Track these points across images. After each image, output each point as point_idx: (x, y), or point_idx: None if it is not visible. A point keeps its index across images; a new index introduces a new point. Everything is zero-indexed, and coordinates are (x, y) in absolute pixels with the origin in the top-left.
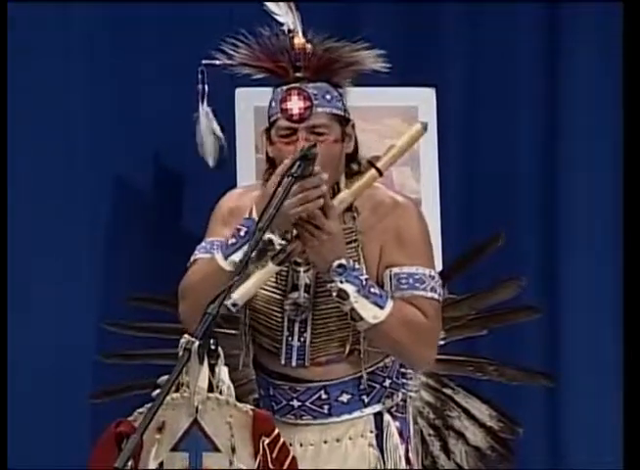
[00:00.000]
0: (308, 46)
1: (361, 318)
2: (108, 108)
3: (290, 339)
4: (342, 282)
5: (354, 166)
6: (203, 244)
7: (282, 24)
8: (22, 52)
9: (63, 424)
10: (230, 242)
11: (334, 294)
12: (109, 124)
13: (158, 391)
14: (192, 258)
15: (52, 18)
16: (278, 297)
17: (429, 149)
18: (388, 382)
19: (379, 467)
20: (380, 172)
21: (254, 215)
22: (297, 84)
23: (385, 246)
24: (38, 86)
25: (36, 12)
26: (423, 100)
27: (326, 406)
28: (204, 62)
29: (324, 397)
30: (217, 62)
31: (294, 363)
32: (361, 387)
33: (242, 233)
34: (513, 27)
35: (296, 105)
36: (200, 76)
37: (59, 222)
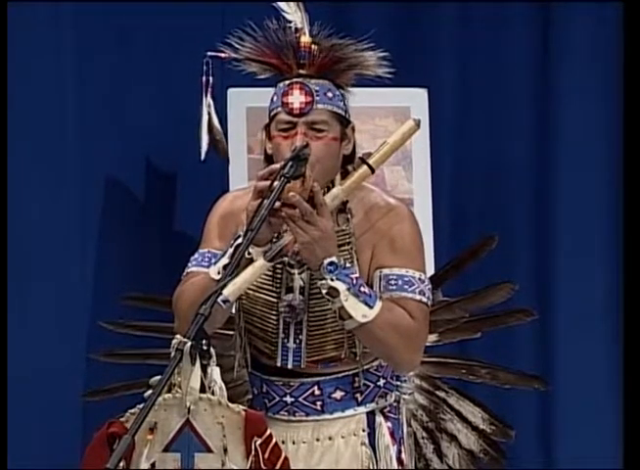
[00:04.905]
0: (314, 46)
1: (350, 317)
2: (99, 109)
3: (285, 341)
4: (332, 280)
5: (350, 168)
6: (196, 255)
7: (290, 22)
8: (13, 52)
9: (54, 424)
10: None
11: (324, 291)
12: (100, 125)
13: (150, 391)
14: (185, 271)
15: (43, 17)
16: (273, 299)
17: (421, 149)
18: (382, 382)
19: (371, 466)
20: (372, 169)
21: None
22: (299, 79)
23: (376, 248)
24: (30, 86)
25: (28, 11)
26: (415, 100)
27: (319, 403)
28: (209, 53)
29: (317, 393)
30: (223, 54)
31: (290, 365)
32: (355, 385)
33: (231, 241)
34: (505, 28)
35: (297, 99)
36: (205, 68)
37: (51, 222)
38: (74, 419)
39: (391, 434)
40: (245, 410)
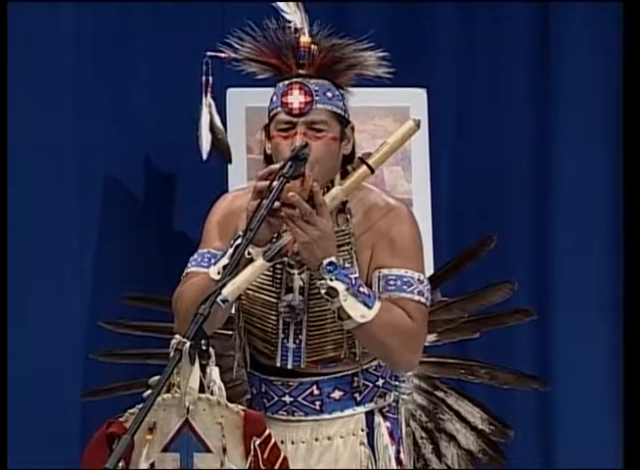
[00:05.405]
0: (314, 46)
1: (349, 317)
2: (99, 108)
3: (285, 341)
4: (331, 280)
5: (349, 168)
6: (195, 255)
7: (289, 22)
8: (13, 52)
9: (54, 424)
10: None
11: (323, 291)
12: (100, 125)
13: (149, 391)
14: (185, 271)
15: (43, 17)
16: (272, 300)
17: (420, 149)
18: (381, 381)
19: (370, 466)
20: (371, 169)
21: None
22: (299, 79)
23: (376, 248)
24: (30, 86)
25: (28, 11)
26: (414, 100)
27: (318, 403)
28: (209, 53)
29: (316, 392)
30: (222, 54)
31: (289, 365)
32: (354, 385)
33: (231, 241)
34: (504, 27)
35: (296, 99)
36: (204, 68)
37: (50, 222)
38: (74, 419)
39: (390, 434)
40: (244, 410)
